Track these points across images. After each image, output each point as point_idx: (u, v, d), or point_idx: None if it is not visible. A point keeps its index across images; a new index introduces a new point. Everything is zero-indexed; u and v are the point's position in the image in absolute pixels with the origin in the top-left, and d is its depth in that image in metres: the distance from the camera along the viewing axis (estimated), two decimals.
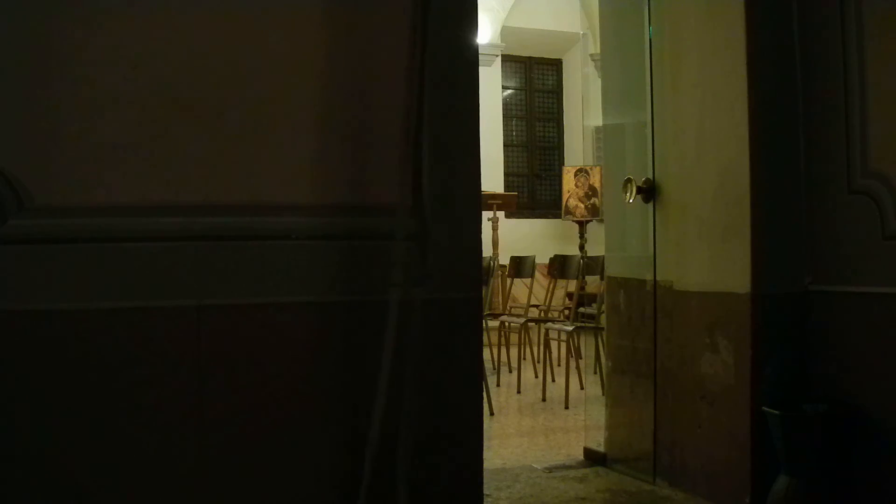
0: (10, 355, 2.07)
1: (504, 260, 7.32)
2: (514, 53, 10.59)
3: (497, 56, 10.16)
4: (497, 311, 6.88)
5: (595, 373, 5.66)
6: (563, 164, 10.44)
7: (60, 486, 2.10)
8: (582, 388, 5.54)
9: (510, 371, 6.35)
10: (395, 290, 2.29)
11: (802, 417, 2.73)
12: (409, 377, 2.26)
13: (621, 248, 3.71)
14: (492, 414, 4.85)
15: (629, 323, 3.47)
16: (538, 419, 4.86)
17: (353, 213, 2.35)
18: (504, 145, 10.40)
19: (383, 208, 2.37)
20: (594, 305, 5.83)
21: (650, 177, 3.34)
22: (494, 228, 8.48)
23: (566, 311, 6.73)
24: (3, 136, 2.09)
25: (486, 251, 6.79)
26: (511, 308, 6.90)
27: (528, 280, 6.43)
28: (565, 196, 9.68)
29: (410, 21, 2.37)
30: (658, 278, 3.30)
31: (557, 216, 9.89)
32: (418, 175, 2.34)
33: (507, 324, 6.27)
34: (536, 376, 6.00)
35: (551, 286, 6.33)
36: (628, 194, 3.36)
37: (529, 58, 10.87)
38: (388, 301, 2.33)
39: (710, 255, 3.05)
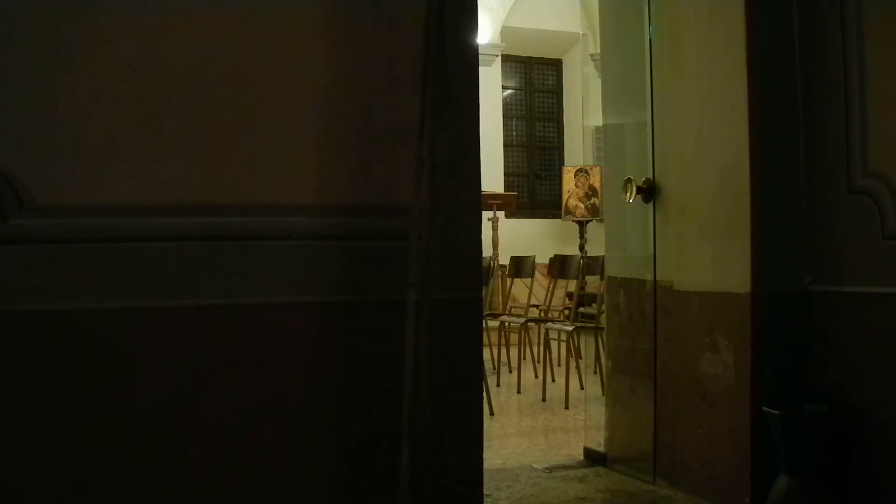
0: (11, 355, 2.07)
1: (504, 260, 7.32)
2: (514, 53, 10.60)
3: (497, 56, 10.16)
4: (497, 311, 6.88)
5: (595, 373, 5.66)
6: (563, 164, 10.45)
7: (61, 486, 2.10)
8: (582, 388, 5.54)
9: (510, 371, 6.35)
10: (413, 290, 2.29)
11: (802, 417, 2.73)
12: (422, 375, 2.26)
13: (621, 248, 3.71)
14: (492, 414, 4.85)
15: (629, 323, 3.48)
16: (538, 419, 4.86)
17: (354, 214, 2.35)
18: (504, 145, 10.40)
19: (384, 208, 2.37)
20: (594, 305, 5.83)
21: (650, 177, 3.34)
22: (494, 228, 8.48)
23: (566, 311, 6.73)
24: (3, 136, 2.09)
25: (486, 251, 6.79)
26: (511, 308, 6.90)
27: (528, 280, 6.43)
28: (565, 196, 9.69)
29: (417, 21, 2.37)
30: (658, 278, 3.30)
31: (557, 216, 9.89)
32: (420, 175, 2.34)
33: (507, 324, 6.27)
34: (536, 376, 6.00)
35: (551, 286, 6.33)
36: (628, 194, 3.36)
37: (529, 58, 10.88)
38: (403, 301, 2.32)
39: (710, 255, 3.05)
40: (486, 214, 8.12)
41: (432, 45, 2.35)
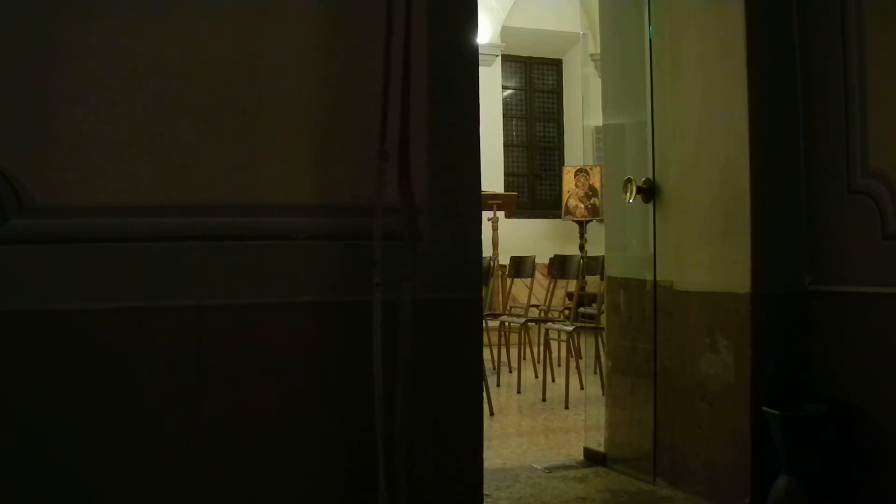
0: (11, 355, 2.07)
1: (504, 260, 7.32)
2: (514, 53, 10.60)
3: (497, 56, 10.16)
4: (497, 311, 6.88)
5: (595, 373, 5.66)
6: (563, 164, 10.45)
7: (61, 485, 2.10)
8: (582, 388, 5.54)
9: (510, 371, 6.35)
10: (378, 290, 2.26)
11: (802, 417, 2.72)
12: (402, 376, 2.24)
13: (621, 248, 3.71)
14: (492, 414, 4.85)
15: (629, 323, 3.47)
16: (538, 419, 4.86)
17: (351, 213, 2.35)
18: (504, 145, 10.40)
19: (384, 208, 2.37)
20: (594, 305, 5.83)
21: (650, 177, 3.34)
22: (494, 228, 8.48)
23: (566, 311, 6.73)
24: (3, 136, 2.09)
25: (486, 251, 6.79)
26: (511, 308, 6.90)
27: (528, 280, 6.43)
28: (565, 196, 9.68)
29: (402, 21, 2.36)
30: (658, 278, 3.29)
31: (557, 216, 9.89)
32: (406, 174, 2.31)
33: (507, 324, 6.27)
34: (536, 376, 6.00)
35: (551, 286, 6.33)
36: (628, 194, 3.36)
37: (529, 58, 10.88)
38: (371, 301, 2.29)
39: (710, 255, 3.04)
40: (486, 214, 8.12)
41: (394, 38, 2.31)
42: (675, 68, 3.24)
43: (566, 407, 5.09)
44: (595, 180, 9.41)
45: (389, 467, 2.16)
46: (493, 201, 8.37)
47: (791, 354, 2.89)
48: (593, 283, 5.94)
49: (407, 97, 2.28)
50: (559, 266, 6.20)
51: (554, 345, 6.01)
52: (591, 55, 9.69)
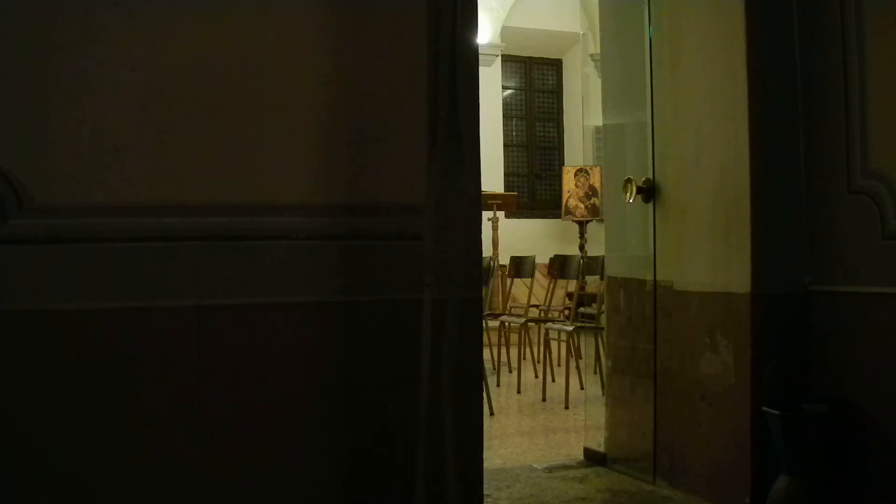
0: (11, 355, 2.07)
1: (504, 260, 7.32)
2: (514, 53, 10.59)
3: (497, 56, 10.16)
4: (497, 311, 6.88)
5: (595, 373, 5.66)
6: (563, 164, 10.45)
7: (60, 486, 2.10)
8: (582, 388, 5.54)
9: (510, 371, 6.35)
10: (428, 290, 2.28)
11: (802, 417, 2.73)
12: (446, 376, 2.25)
13: (621, 248, 3.71)
14: (492, 414, 4.85)
15: (629, 323, 3.47)
16: (538, 419, 4.86)
17: (353, 213, 2.35)
18: (504, 145, 10.40)
19: (385, 208, 2.37)
20: (594, 305, 5.83)
21: (650, 177, 3.34)
22: (494, 228, 8.47)
23: (566, 311, 6.73)
24: (3, 136, 2.09)
25: (486, 251, 6.79)
26: (511, 308, 6.90)
27: (528, 280, 6.43)
28: (565, 196, 9.68)
29: (418, 18, 2.36)
30: (658, 278, 3.30)
31: (557, 216, 9.89)
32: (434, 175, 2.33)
33: (507, 324, 6.27)
34: (536, 376, 6.00)
35: (551, 286, 6.33)
36: (628, 194, 3.36)
37: (529, 58, 10.87)
38: (404, 300, 2.33)
39: (710, 255, 3.04)
40: (486, 214, 8.12)
41: (443, 44, 2.31)
42: (674, 68, 3.24)
43: (566, 407, 5.09)
44: (595, 180, 9.42)
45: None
46: (493, 201, 8.36)
47: (791, 354, 2.89)
48: (593, 283, 5.95)
49: (454, 100, 2.29)
50: (559, 266, 6.20)
51: (554, 345, 6.01)
52: (591, 55, 9.69)
